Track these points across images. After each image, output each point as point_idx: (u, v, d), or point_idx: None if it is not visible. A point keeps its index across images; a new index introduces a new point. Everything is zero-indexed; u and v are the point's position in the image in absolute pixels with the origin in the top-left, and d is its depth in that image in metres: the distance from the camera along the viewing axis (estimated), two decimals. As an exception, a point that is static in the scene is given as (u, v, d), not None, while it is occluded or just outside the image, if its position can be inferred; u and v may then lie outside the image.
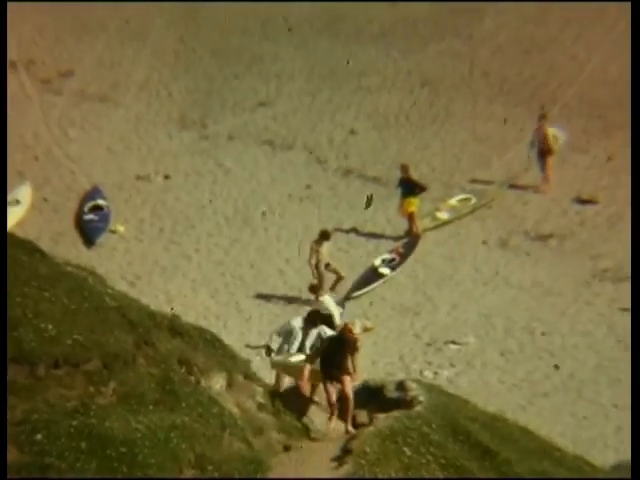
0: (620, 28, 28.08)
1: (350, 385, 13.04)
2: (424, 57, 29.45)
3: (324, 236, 20.78)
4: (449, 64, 29.08)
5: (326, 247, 20.67)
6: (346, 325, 13.56)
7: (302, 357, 13.90)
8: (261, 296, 21.45)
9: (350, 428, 12.90)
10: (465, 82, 28.37)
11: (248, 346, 18.81)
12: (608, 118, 26.28)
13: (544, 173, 24.05)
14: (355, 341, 13.20)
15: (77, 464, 9.35)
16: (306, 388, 13.54)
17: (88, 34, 30.38)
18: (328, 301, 18.30)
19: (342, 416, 13.00)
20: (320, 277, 20.40)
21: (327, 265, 20.65)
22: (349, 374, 13.07)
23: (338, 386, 12.99)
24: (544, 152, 23.87)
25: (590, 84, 27.45)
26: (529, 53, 29.14)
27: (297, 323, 14.47)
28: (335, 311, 18.18)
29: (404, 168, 22.96)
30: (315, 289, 18.70)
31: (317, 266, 20.53)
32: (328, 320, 16.17)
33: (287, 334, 14.46)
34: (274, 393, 13.60)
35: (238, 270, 22.31)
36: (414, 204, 22.76)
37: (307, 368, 13.27)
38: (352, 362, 13.17)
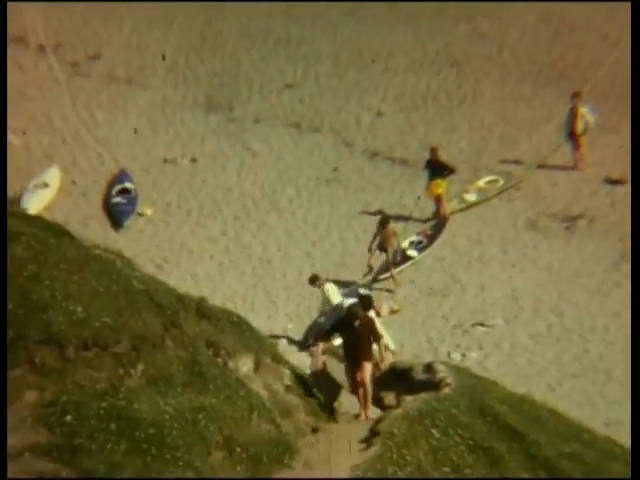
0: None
1: (367, 371, 12.93)
2: (452, 38, 29.26)
3: (385, 221, 20.87)
4: (477, 45, 28.88)
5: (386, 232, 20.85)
6: (350, 310, 13.50)
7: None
8: (288, 279, 21.46)
9: (369, 413, 12.82)
10: (493, 63, 28.17)
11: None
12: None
13: (577, 152, 23.84)
14: (367, 324, 13.00)
15: (107, 445, 9.40)
16: (317, 365, 13.42)
17: (115, 17, 30.41)
18: (330, 290, 18.45)
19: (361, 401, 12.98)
20: (372, 259, 20.75)
21: (385, 249, 20.69)
22: (369, 359, 12.97)
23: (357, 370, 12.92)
24: (574, 131, 23.68)
25: (620, 64, 27.16)
26: (558, 33, 28.88)
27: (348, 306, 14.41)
28: (334, 300, 18.33)
29: (434, 150, 22.84)
30: (315, 279, 18.80)
31: (381, 249, 20.69)
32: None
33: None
34: (301, 375, 13.61)
35: (265, 253, 22.33)
36: (441, 186, 22.67)
37: (319, 346, 13.26)
38: (378, 348, 13.12)
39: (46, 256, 11.44)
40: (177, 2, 30.65)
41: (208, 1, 30.92)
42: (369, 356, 13.02)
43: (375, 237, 20.86)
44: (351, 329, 12.99)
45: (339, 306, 18.33)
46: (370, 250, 20.81)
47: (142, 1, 30.41)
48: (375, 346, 13.17)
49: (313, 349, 13.47)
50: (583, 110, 23.70)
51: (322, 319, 18.66)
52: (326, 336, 13.49)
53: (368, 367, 12.98)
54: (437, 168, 22.62)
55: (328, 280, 19.47)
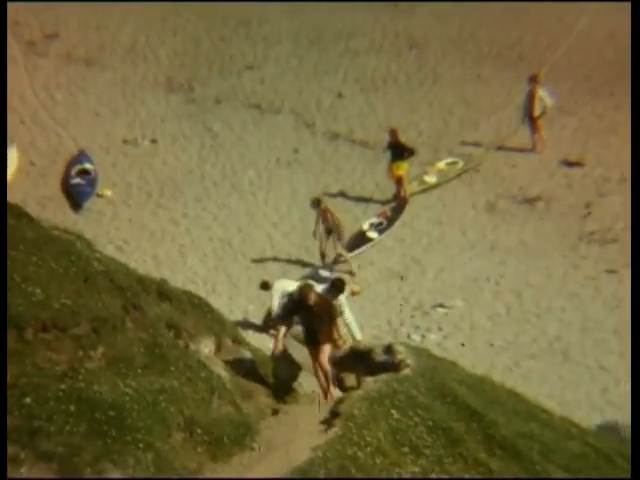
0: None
1: (324, 354, 12.75)
2: (412, 19, 29.30)
3: (316, 202, 20.93)
4: (437, 26, 28.95)
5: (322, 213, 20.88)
6: (302, 290, 13.00)
7: None
8: (249, 260, 21.47)
9: (328, 396, 12.72)
10: (453, 44, 28.26)
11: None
12: (596, 79, 26.25)
13: (535, 134, 24.02)
14: (323, 304, 12.75)
15: (66, 427, 9.39)
16: (278, 349, 12.95)
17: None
18: (282, 286, 18.33)
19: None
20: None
21: (329, 230, 20.77)
22: (328, 341, 12.78)
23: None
24: (532, 114, 23.85)
25: (578, 45, 27.38)
26: (517, 15, 29.03)
27: (320, 290, 14.15)
28: (290, 289, 18.22)
29: (393, 132, 22.89)
30: (266, 285, 18.68)
31: (327, 232, 20.79)
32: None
33: None
34: (262, 357, 13.62)
35: (226, 234, 22.31)
36: (402, 168, 22.73)
37: (280, 331, 12.98)
38: (335, 329, 12.87)
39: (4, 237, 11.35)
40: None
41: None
42: (328, 337, 12.83)
43: (317, 223, 20.85)
44: (306, 310, 12.72)
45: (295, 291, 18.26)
46: (314, 236, 20.79)
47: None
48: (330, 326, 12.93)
49: (273, 332, 13.29)
50: (541, 93, 23.86)
51: (280, 304, 18.53)
52: (284, 319, 13.23)
53: (327, 349, 12.82)
54: (397, 150, 22.69)
55: (274, 279, 19.38)
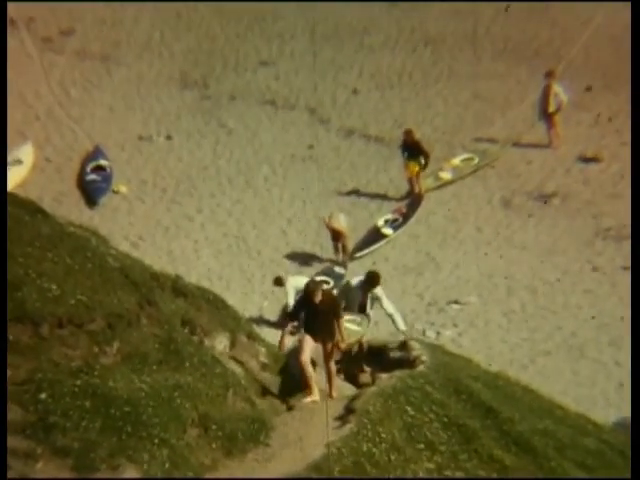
0: (625, -15, 27.83)
1: (327, 351, 12.58)
2: (427, 15, 29.23)
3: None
4: (452, 22, 28.88)
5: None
6: (308, 287, 12.77)
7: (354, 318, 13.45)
8: (263, 257, 21.47)
9: (334, 394, 12.58)
10: (468, 40, 28.18)
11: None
12: (612, 75, 26.12)
13: (551, 130, 23.95)
14: (329, 301, 12.57)
15: (81, 423, 9.41)
16: (282, 346, 12.84)
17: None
18: (295, 282, 18.30)
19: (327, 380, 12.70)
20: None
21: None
22: (331, 339, 12.55)
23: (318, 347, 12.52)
24: (547, 110, 23.78)
25: (594, 42, 27.26)
26: (533, 10, 28.93)
27: (355, 283, 13.96)
28: (291, 298, 18.16)
29: (408, 133, 22.79)
30: (280, 280, 18.72)
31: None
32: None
33: (347, 293, 13.83)
34: (276, 353, 13.60)
35: (241, 231, 22.32)
36: (416, 167, 22.69)
37: (285, 329, 12.82)
38: (338, 328, 12.63)
39: (20, 233, 11.40)
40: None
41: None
42: (331, 335, 12.56)
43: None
44: (312, 306, 12.47)
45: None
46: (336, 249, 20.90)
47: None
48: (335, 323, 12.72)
49: (284, 329, 13.11)
50: (556, 88, 23.79)
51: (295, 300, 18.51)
52: (293, 316, 13.03)
53: (329, 347, 12.60)
54: (412, 150, 22.64)
55: (289, 275, 19.37)
